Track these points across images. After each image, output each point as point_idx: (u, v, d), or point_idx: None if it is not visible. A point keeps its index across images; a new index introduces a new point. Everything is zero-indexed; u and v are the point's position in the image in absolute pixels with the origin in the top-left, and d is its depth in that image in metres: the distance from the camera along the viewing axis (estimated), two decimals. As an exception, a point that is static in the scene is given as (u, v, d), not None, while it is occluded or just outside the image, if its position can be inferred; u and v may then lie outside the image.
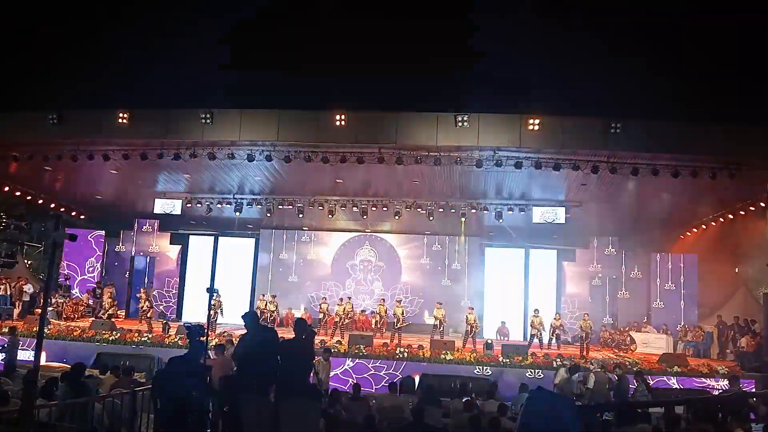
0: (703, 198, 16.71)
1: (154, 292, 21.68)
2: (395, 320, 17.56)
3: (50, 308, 17.81)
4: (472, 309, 17.77)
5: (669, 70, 22.83)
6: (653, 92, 21.74)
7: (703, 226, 19.95)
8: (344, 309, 18.75)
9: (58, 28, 24.08)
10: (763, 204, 15.47)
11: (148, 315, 17.72)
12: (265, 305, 19.26)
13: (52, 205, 21.35)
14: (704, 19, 21.36)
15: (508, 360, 14.24)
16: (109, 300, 18.82)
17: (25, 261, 23.74)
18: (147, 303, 18.13)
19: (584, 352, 16.36)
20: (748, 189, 15.03)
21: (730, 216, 17.74)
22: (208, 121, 13.96)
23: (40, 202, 20.68)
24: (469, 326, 16.98)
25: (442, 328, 17.30)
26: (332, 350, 13.52)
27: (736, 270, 20.17)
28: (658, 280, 20.66)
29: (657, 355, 15.68)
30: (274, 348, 6.66)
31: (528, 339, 17.79)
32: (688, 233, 21.19)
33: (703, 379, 13.80)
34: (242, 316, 7.20)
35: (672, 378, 13.92)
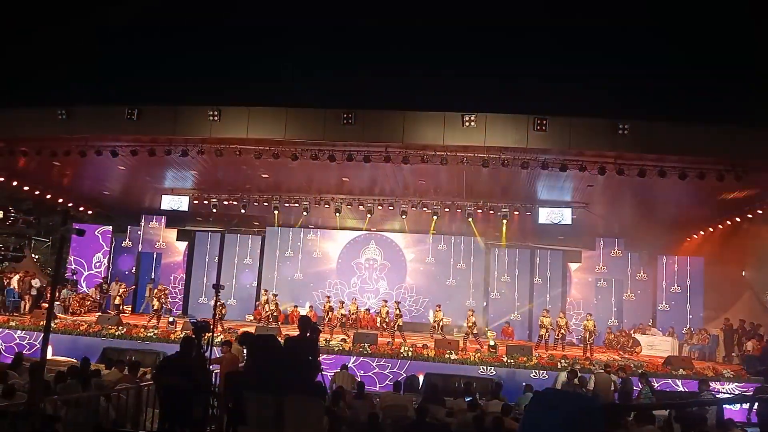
0: (711, 200, 16.63)
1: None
2: (395, 320, 17.56)
3: (57, 303, 17.91)
4: (473, 311, 17.72)
5: (677, 71, 22.75)
6: (661, 93, 21.68)
7: (710, 229, 19.86)
8: (349, 310, 18.79)
9: (67, 23, 24.19)
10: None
11: (159, 312, 17.70)
12: (266, 301, 19.32)
13: (60, 201, 21.48)
14: (714, 20, 21.27)
15: (512, 360, 14.22)
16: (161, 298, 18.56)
17: (33, 255, 23.91)
18: (163, 301, 18.11)
19: (588, 353, 16.33)
20: (756, 191, 14.95)
21: (738, 219, 17.65)
22: (216, 118, 14.00)
23: (48, 197, 20.81)
24: (469, 327, 16.88)
25: (439, 331, 17.30)
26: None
27: (743, 273, 20.09)
28: (664, 282, 20.59)
29: (662, 358, 15.62)
30: (279, 355, 6.62)
31: (537, 340, 17.75)
32: (694, 236, 21.11)
33: (709, 383, 13.72)
34: (238, 342, 7.17)
35: (677, 381, 13.88)
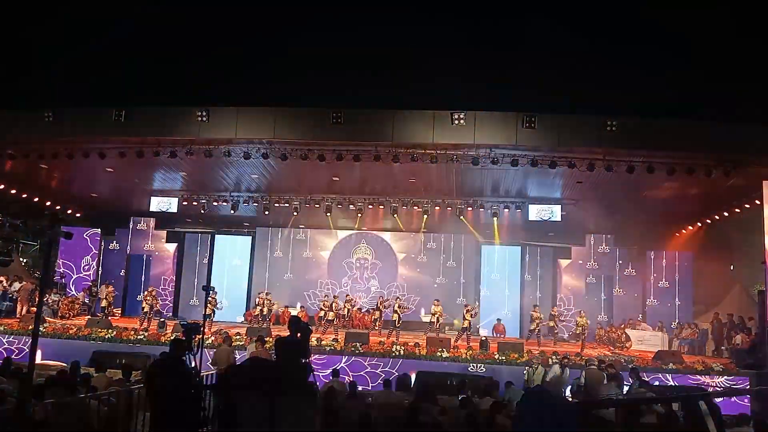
0: (699, 195, 16.75)
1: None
2: (394, 319, 17.52)
3: (46, 306, 17.72)
4: (469, 307, 17.76)
5: (664, 67, 22.91)
6: (649, 90, 21.81)
7: (699, 224, 20.00)
8: (345, 308, 18.68)
9: (54, 25, 24.01)
10: (758, 201, 15.53)
11: (149, 315, 17.51)
12: (261, 302, 19.16)
13: (48, 203, 21.29)
14: (700, 17, 21.42)
15: (504, 357, 14.25)
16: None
17: (21, 259, 23.68)
18: (152, 302, 17.91)
19: (581, 349, 16.38)
20: (743, 186, 15.08)
21: (726, 213, 17.80)
22: (204, 119, 13.92)
23: (36, 200, 20.62)
24: (468, 323, 16.89)
25: (438, 325, 17.31)
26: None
27: (731, 267, 20.24)
28: (654, 277, 20.73)
29: (652, 353, 15.72)
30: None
31: (527, 335, 17.78)
32: (683, 231, 21.26)
33: (698, 376, 13.87)
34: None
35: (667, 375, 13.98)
